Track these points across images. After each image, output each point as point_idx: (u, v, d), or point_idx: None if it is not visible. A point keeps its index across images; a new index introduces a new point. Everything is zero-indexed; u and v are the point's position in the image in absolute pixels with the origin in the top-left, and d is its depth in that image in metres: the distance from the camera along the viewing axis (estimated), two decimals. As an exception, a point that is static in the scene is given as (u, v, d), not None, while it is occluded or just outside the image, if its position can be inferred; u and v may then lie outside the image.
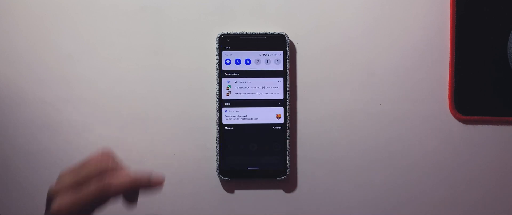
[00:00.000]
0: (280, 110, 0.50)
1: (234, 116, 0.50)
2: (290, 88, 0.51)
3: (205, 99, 0.50)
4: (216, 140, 0.50)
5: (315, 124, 0.51)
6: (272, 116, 0.50)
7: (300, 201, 0.51)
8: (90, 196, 0.38)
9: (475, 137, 0.51)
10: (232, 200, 0.51)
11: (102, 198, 0.38)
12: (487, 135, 0.51)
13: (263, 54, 0.50)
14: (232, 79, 0.50)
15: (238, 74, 0.50)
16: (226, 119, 0.50)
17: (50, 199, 0.40)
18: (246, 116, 0.50)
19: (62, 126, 0.50)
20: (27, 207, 0.51)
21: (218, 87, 0.50)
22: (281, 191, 0.51)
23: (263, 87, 0.50)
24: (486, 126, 0.51)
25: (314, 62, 0.51)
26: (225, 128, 0.50)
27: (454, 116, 0.51)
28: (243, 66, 0.50)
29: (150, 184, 0.39)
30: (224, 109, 0.50)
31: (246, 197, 0.51)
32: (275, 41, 0.50)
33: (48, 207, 0.40)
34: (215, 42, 0.50)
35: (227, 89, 0.50)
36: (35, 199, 0.51)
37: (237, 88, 0.50)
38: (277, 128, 0.50)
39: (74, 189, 0.39)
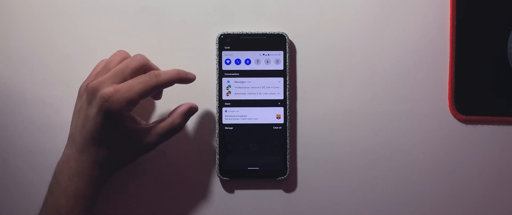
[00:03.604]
0: (280, 110, 0.50)
1: (234, 116, 0.50)
2: (290, 88, 0.51)
3: (205, 99, 0.50)
4: (216, 140, 0.50)
5: (315, 124, 0.51)
6: (272, 115, 0.50)
7: (300, 201, 0.51)
8: (147, 81, 0.43)
9: (475, 137, 0.51)
10: (232, 200, 0.51)
11: (157, 83, 0.43)
12: (487, 135, 0.51)
13: (263, 54, 0.50)
14: (232, 79, 0.50)
15: (238, 74, 0.50)
16: (226, 119, 0.50)
17: (93, 93, 0.42)
18: (246, 116, 0.50)
19: (62, 126, 0.50)
20: (27, 207, 0.51)
21: (218, 87, 0.50)
22: (281, 191, 0.51)
23: (263, 87, 0.50)
24: (486, 126, 0.51)
25: (314, 62, 0.51)
26: (225, 128, 0.50)
27: (454, 116, 0.51)
28: (243, 66, 0.50)
29: (188, 75, 0.46)
30: (224, 108, 0.50)
31: (246, 197, 0.51)
32: (275, 41, 0.50)
33: (91, 101, 0.42)
34: (215, 42, 0.50)
35: (227, 89, 0.50)
36: (35, 199, 0.50)
37: (237, 88, 0.50)
38: (277, 128, 0.50)
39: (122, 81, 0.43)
